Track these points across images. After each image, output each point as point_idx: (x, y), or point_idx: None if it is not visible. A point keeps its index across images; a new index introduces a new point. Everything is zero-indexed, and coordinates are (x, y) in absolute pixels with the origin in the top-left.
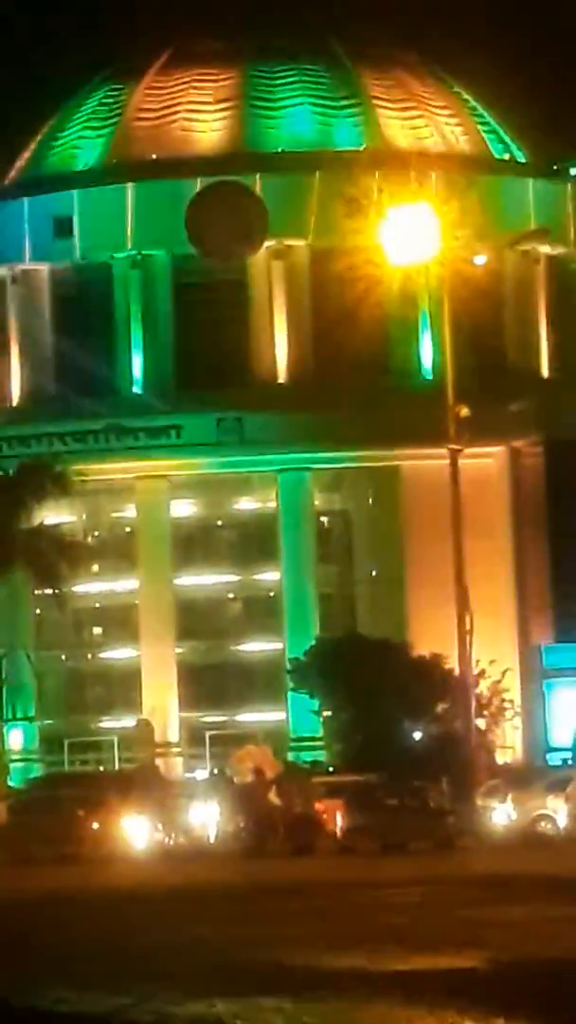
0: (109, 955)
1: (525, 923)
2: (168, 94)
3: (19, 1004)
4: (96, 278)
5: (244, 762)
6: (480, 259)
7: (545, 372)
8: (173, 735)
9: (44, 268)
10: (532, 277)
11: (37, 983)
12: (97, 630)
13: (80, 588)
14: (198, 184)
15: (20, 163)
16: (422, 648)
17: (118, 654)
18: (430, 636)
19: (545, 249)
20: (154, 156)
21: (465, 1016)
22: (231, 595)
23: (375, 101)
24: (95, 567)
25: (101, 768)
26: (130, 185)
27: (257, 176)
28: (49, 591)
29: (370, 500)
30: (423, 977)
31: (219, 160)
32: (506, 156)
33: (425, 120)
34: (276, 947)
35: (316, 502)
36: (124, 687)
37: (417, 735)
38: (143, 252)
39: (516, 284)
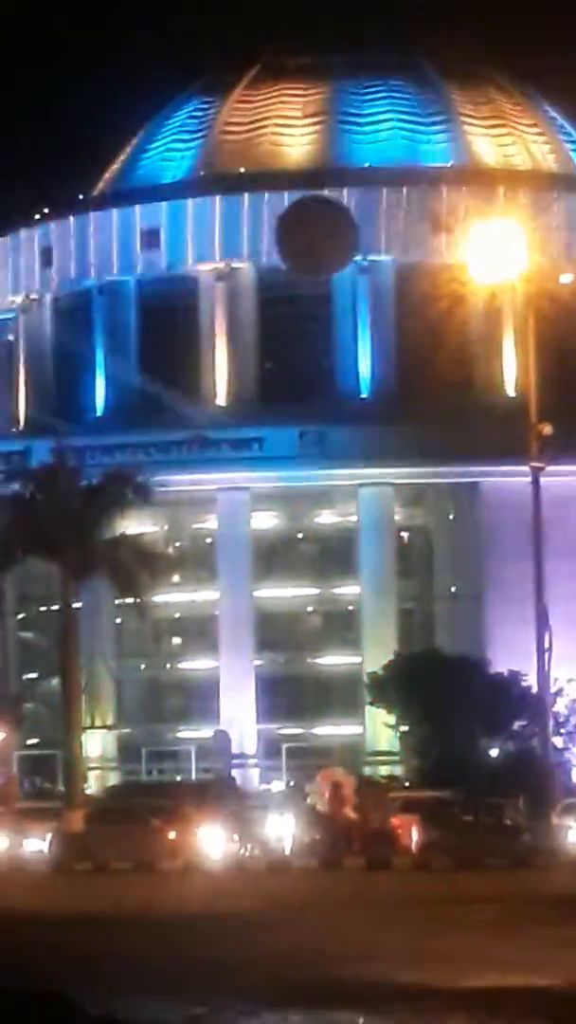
0: (185, 965)
1: None
2: (257, 108)
3: (96, 1012)
4: (182, 290)
5: (323, 786)
6: (567, 277)
7: None
8: (250, 746)
9: (131, 279)
10: None
11: (114, 991)
12: (176, 640)
13: (160, 598)
14: (286, 198)
15: (109, 175)
16: (500, 665)
17: (197, 664)
18: (509, 653)
19: None
20: (242, 169)
21: None
22: (310, 608)
23: (463, 118)
24: (175, 577)
25: (178, 778)
26: (218, 198)
27: (344, 191)
28: (130, 600)
29: (451, 516)
30: (498, 995)
31: (307, 175)
32: None
33: (512, 137)
34: (351, 962)
35: (397, 517)
36: (202, 697)
37: (494, 752)
38: (230, 265)
39: None
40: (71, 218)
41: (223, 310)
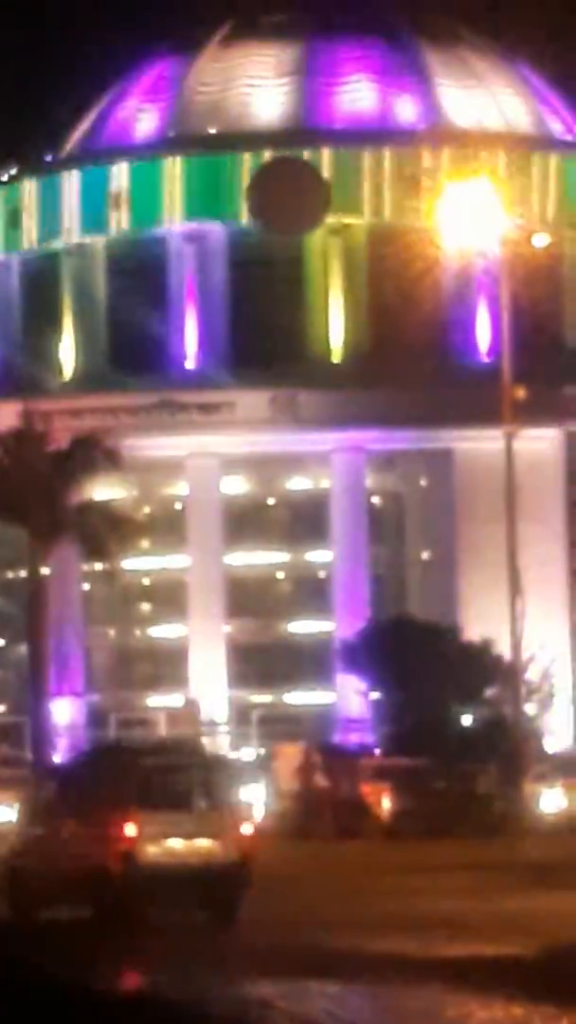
0: (149, 935)
1: (573, 910)
2: (228, 68)
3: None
4: (151, 252)
5: (282, 761)
6: (540, 240)
7: None
8: (220, 714)
9: (99, 241)
10: None
11: (71, 959)
12: (146, 606)
13: (129, 564)
14: (257, 159)
15: (78, 135)
16: (473, 632)
17: (166, 631)
18: (481, 620)
19: None
20: (213, 129)
21: (512, 1003)
22: (281, 574)
23: (437, 79)
24: (145, 543)
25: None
26: (187, 158)
27: (315, 152)
28: (99, 566)
29: (423, 481)
30: (469, 963)
31: (278, 135)
32: (568, 136)
33: (487, 98)
34: (322, 930)
35: (368, 482)
36: (172, 664)
37: (466, 719)
38: (199, 226)
39: (574, 266)
40: (39, 179)
41: (193, 272)
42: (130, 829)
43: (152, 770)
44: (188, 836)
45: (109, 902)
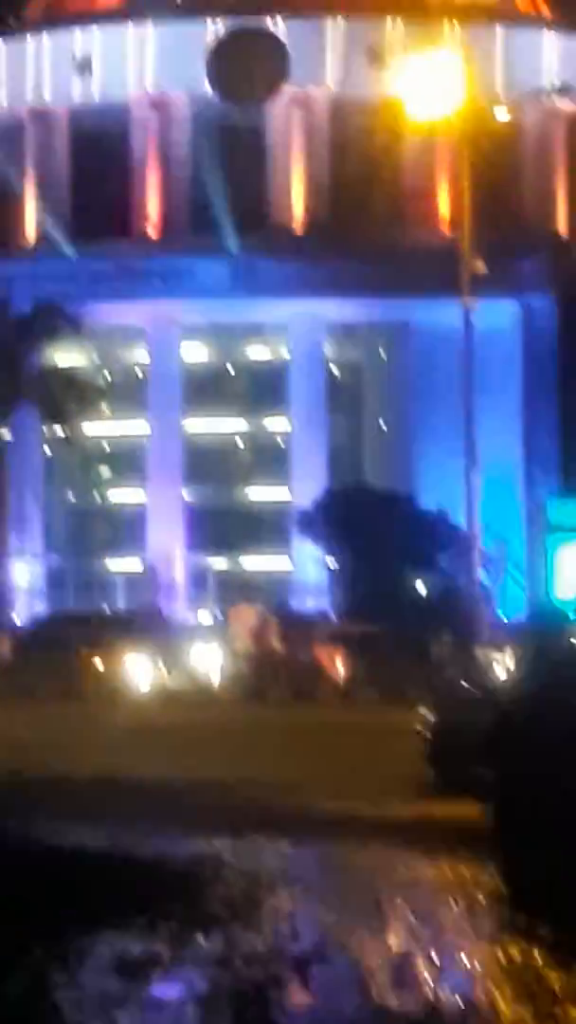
0: (109, 791)
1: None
2: None
3: (17, 835)
4: (114, 119)
5: (237, 622)
6: (501, 113)
7: (561, 229)
8: (178, 578)
9: (62, 108)
10: (551, 133)
11: (36, 817)
12: (105, 471)
13: (89, 430)
14: (220, 26)
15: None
16: (429, 502)
17: (126, 496)
18: (437, 490)
19: (565, 105)
20: None
21: (460, 864)
22: (240, 441)
23: None
24: (105, 409)
25: (106, 608)
26: (152, 25)
27: (277, 20)
28: (59, 432)
29: (382, 352)
30: (420, 825)
31: (241, 3)
32: (530, 9)
33: None
34: (277, 790)
35: (327, 352)
36: (131, 528)
37: (421, 587)
38: (163, 94)
39: (535, 140)
40: (3, 43)
41: (155, 140)
42: None
43: None
44: None
45: None
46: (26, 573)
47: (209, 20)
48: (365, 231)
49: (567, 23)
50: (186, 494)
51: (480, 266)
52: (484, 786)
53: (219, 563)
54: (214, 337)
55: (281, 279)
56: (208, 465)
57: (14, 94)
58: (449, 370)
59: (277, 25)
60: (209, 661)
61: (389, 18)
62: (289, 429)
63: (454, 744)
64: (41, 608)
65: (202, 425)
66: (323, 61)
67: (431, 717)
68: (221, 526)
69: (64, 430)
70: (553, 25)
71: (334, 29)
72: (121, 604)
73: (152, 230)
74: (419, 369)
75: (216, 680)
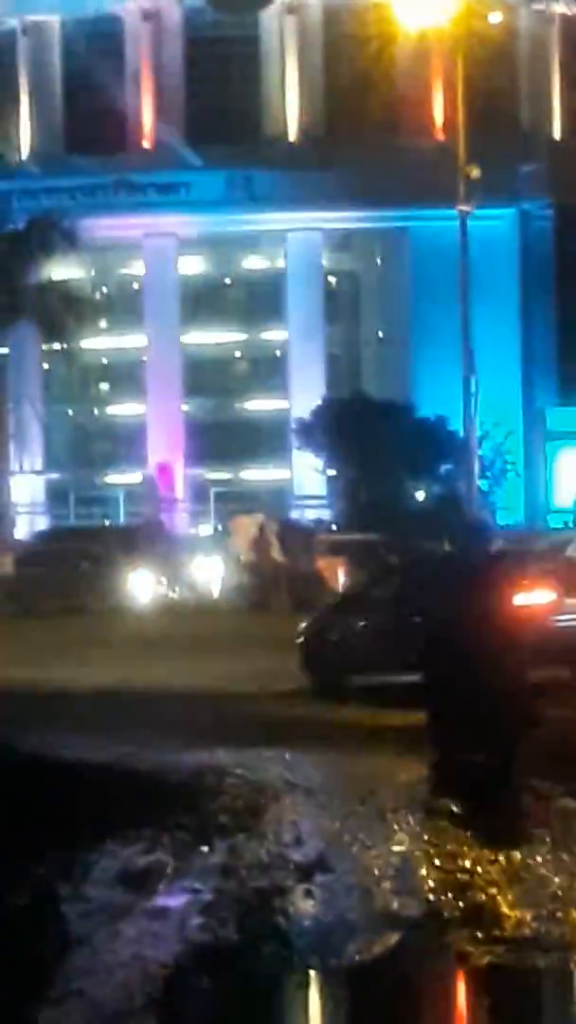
0: (110, 702)
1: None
2: None
3: (17, 748)
4: (107, 30)
5: (238, 534)
6: (496, 17)
7: (557, 134)
8: (178, 491)
9: (55, 19)
10: (546, 38)
11: (36, 728)
12: (104, 386)
13: (87, 344)
14: None
15: None
16: (427, 410)
17: (125, 410)
18: (435, 398)
19: (560, 9)
20: None
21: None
22: (238, 353)
23: None
24: (102, 323)
25: (107, 522)
26: None
27: None
28: (57, 346)
29: (379, 260)
30: (419, 732)
31: None
32: None
33: None
34: (277, 699)
35: (324, 262)
36: (130, 442)
37: (420, 495)
38: (155, 4)
39: (530, 45)
40: None
41: (148, 51)
42: None
43: None
44: None
45: None
46: (27, 489)
47: None
48: (360, 140)
49: None
50: (185, 407)
51: (476, 172)
52: (353, 691)
53: (219, 475)
54: (210, 249)
55: (276, 189)
56: (206, 377)
57: (8, 6)
58: (446, 277)
59: None
60: (210, 573)
61: None
62: (286, 339)
63: (320, 649)
64: (42, 524)
65: (199, 337)
66: None
67: (303, 623)
68: (220, 438)
69: (62, 345)
70: None
71: None
72: (122, 518)
73: (147, 142)
74: (416, 276)
75: (217, 591)
